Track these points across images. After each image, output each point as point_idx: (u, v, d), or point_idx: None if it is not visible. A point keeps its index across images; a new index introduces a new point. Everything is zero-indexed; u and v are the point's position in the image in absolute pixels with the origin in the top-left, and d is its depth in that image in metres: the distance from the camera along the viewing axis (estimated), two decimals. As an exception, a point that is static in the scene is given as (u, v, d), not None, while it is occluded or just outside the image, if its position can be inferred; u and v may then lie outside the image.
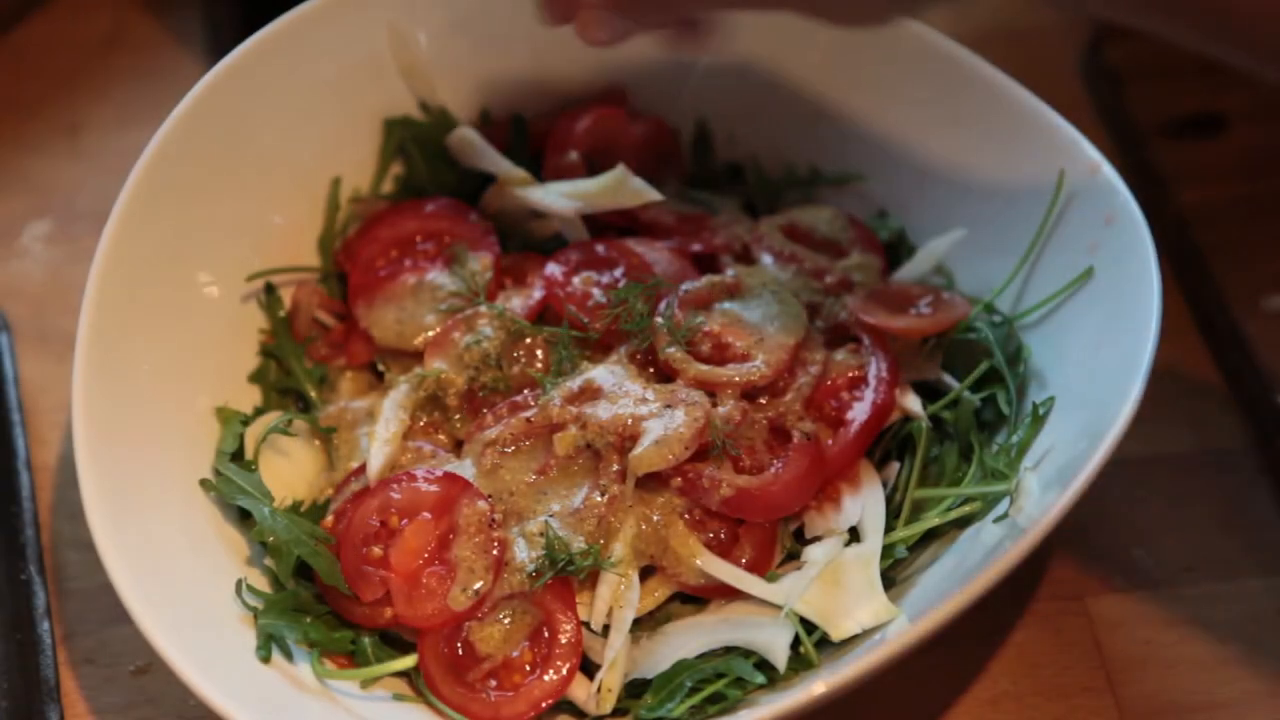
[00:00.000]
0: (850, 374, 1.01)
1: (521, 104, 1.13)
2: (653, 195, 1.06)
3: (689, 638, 0.95)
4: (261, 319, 1.07)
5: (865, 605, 0.93)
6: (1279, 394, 1.08)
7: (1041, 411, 0.96)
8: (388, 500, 0.96)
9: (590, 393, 0.98)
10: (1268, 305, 1.13)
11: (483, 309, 1.04)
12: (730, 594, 0.96)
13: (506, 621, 0.94)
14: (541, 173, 1.11)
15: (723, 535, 0.97)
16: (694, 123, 1.15)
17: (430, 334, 1.05)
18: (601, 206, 1.07)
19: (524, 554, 0.94)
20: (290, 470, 1.03)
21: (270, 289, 1.07)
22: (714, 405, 0.97)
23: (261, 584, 0.96)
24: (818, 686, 0.82)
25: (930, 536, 0.97)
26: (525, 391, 1.00)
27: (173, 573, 0.92)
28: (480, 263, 1.07)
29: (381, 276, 1.08)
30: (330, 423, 1.04)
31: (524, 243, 1.11)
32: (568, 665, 0.93)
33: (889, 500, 0.98)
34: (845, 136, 1.12)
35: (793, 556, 0.98)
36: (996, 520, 0.93)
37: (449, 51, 1.11)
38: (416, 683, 0.95)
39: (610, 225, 1.09)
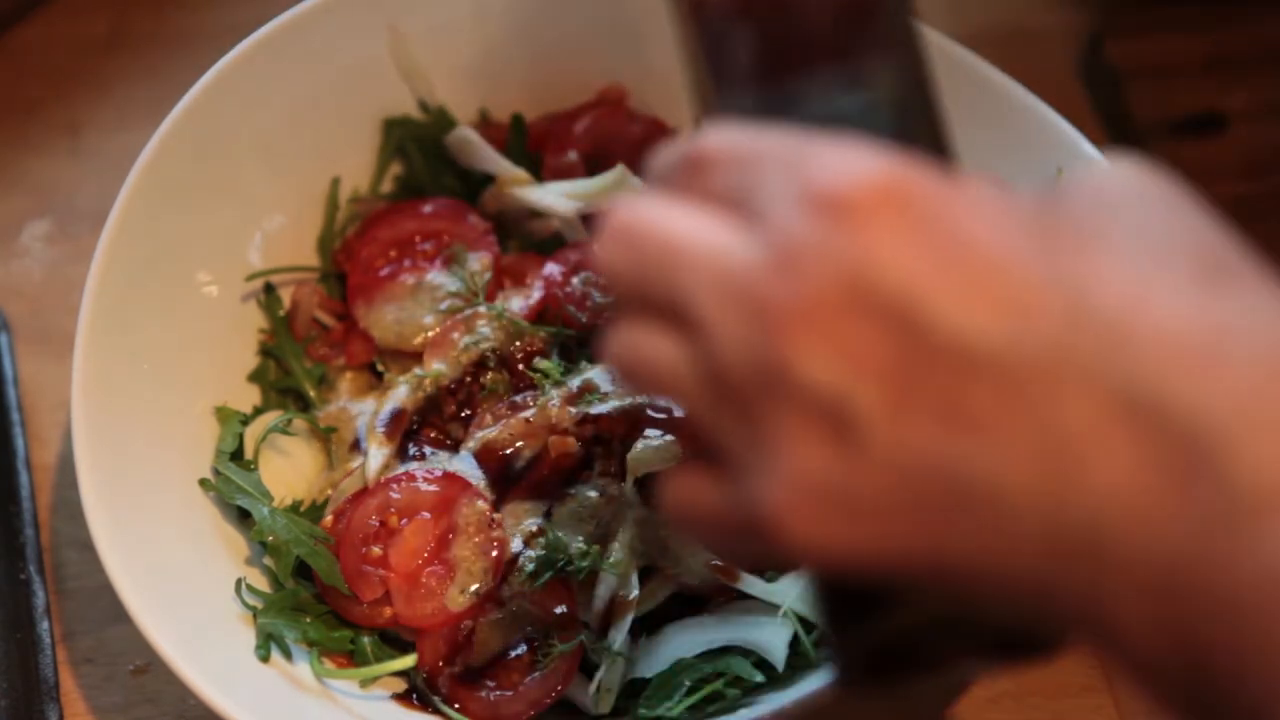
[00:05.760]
0: (850, 374, 1.01)
1: (521, 104, 1.13)
2: (652, 195, 1.06)
3: (688, 637, 0.94)
4: (261, 319, 1.07)
5: (864, 605, 0.93)
6: (1279, 394, 1.07)
7: (1041, 411, 0.96)
8: (387, 500, 0.96)
9: (590, 393, 0.98)
10: (1267, 305, 1.13)
11: (482, 309, 1.04)
12: (729, 594, 0.96)
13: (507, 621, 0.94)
14: (541, 173, 1.11)
15: (722, 535, 0.96)
16: (693, 123, 1.15)
17: (430, 334, 1.05)
18: (601, 206, 1.07)
19: (523, 554, 0.94)
20: (290, 470, 1.03)
21: (270, 289, 1.07)
22: (713, 405, 0.97)
23: (261, 583, 0.96)
24: (817, 686, 0.82)
25: (929, 536, 0.97)
26: (525, 392, 1.01)
27: (172, 572, 0.92)
28: (480, 263, 1.07)
29: (381, 276, 1.07)
30: (330, 422, 1.04)
31: (524, 243, 1.11)
32: (567, 665, 0.93)
33: (888, 500, 0.98)
34: (845, 136, 1.12)
35: (792, 556, 0.97)
36: (995, 520, 0.93)
37: (449, 51, 1.11)
38: (415, 682, 0.95)
39: (610, 225, 1.09)
